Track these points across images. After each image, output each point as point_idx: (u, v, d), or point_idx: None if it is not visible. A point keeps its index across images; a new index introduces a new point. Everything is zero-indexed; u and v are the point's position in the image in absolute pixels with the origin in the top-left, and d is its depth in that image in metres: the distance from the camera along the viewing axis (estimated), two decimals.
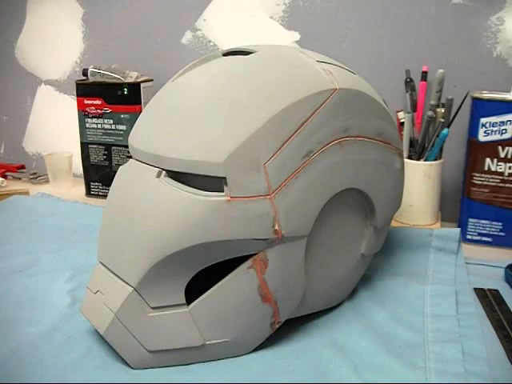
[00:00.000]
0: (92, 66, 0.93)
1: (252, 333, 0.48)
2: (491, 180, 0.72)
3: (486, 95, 0.71)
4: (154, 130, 0.48)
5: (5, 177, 1.08)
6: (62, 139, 1.11)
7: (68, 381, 0.44)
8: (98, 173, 0.95)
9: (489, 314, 0.55)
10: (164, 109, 0.49)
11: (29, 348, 0.48)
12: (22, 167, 1.14)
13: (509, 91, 0.72)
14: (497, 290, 0.59)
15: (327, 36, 0.87)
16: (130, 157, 0.51)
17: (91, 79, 0.93)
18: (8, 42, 1.12)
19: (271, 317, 0.47)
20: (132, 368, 0.46)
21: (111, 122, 0.91)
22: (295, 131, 0.45)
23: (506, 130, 0.69)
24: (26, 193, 0.97)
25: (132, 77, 0.90)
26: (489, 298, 0.58)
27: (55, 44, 1.07)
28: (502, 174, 0.71)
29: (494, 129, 0.70)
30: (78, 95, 0.93)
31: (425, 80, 0.80)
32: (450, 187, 0.85)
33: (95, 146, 0.94)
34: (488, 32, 0.78)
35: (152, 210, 0.44)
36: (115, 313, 0.45)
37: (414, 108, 0.81)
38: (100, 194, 0.96)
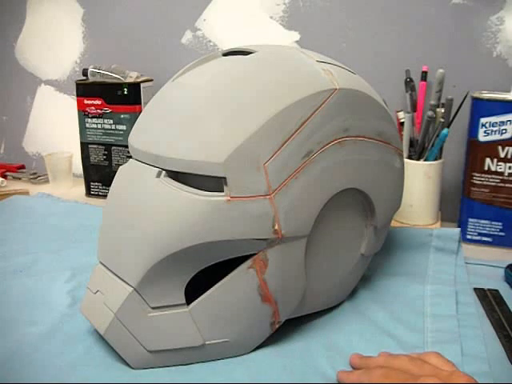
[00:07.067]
0: (92, 66, 0.93)
1: (252, 333, 0.48)
2: (491, 180, 0.72)
3: (486, 95, 0.71)
4: (153, 130, 0.48)
5: (5, 177, 1.08)
6: (62, 139, 1.11)
7: (68, 381, 0.44)
8: (98, 173, 0.95)
9: (489, 314, 0.55)
10: (164, 109, 0.49)
11: (29, 348, 0.48)
12: (22, 167, 1.14)
13: (509, 91, 0.72)
14: (497, 290, 0.59)
15: (327, 36, 0.87)
16: (130, 157, 0.51)
17: (91, 79, 0.93)
18: (8, 42, 1.12)
19: (271, 317, 0.47)
20: (132, 368, 0.46)
21: (111, 121, 0.91)
22: (295, 131, 0.45)
23: (505, 130, 0.69)
24: (26, 193, 0.97)
25: (132, 77, 0.90)
26: (489, 298, 0.57)
27: (55, 44, 1.07)
28: (501, 174, 0.71)
29: (494, 129, 0.70)
30: (77, 95, 0.93)
31: (425, 80, 0.80)
32: (450, 187, 0.85)
33: (95, 146, 0.94)
34: (488, 32, 0.78)
35: (152, 209, 0.44)
36: (115, 313, 0.45)
37: (414, 108, 0.81)
38: (100, 193, 0.96)
